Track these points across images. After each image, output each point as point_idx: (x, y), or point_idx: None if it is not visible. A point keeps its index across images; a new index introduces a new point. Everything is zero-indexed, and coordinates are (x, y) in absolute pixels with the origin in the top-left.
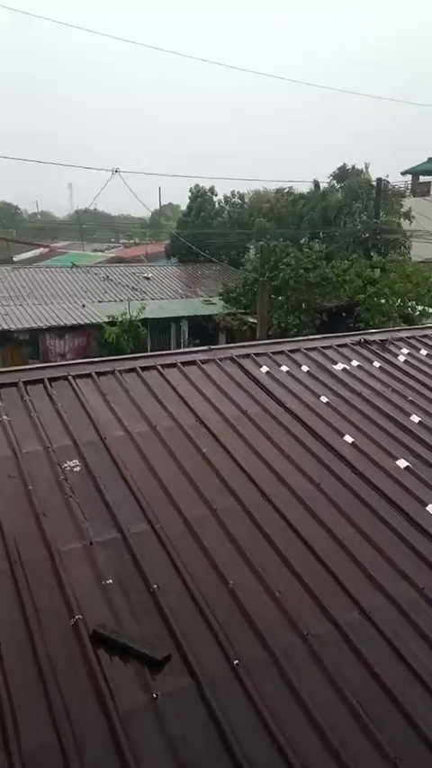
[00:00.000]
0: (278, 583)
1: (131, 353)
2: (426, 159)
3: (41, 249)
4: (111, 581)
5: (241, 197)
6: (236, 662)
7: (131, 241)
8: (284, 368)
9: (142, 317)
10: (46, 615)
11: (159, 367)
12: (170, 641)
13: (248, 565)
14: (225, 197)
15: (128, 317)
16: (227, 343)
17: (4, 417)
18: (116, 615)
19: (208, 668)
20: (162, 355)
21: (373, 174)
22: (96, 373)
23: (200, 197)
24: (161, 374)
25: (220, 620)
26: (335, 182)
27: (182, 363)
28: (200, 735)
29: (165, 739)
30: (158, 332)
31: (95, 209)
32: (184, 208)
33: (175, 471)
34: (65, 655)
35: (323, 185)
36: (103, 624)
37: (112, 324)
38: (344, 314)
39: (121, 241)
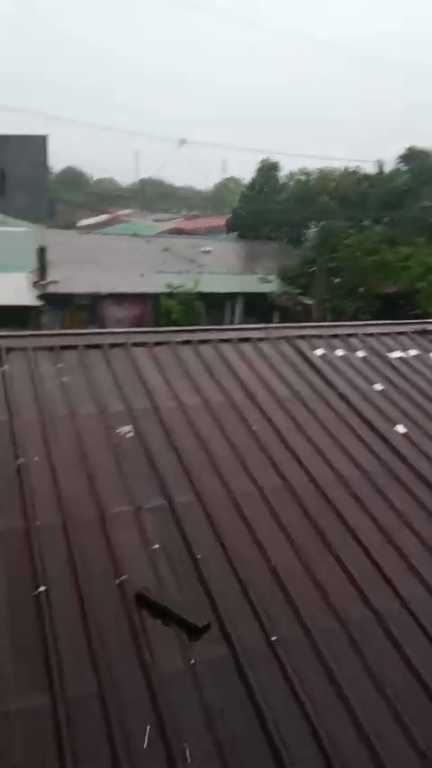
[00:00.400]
0: (320, 566)
1: (185, 326)
2: None
3: (105, 216)
4: (156, 546)
5: (307, 174)
6: (273, 638)
7: (192, 213)
8: (339, 352)
9: (198, 290)
10: (93, 572)
11: (215, 342)
12: (210, 610)
13: (291, 545)
14: (291, 173)
15: (184, 289)
16: (280, 322)
17: (64, 379)
18: (160, 580)
19: (246, 641)
20: (218, 330)
21: None
22: (154, 343)
23: (266, 172)
24: (216, 349)
25: (260, 596)
26: (402, 163)
27: (237, 340)
28: (236, 707)
29: (201, 707)
30: (213, 306)
31: (160, 179)
32: (246, 182)
33: (223, 445)
34: (109, 612)
35: (390, 167)
36: (147, 587)
37: (170, 296)
38: (402, 301)
39: (182, 213)
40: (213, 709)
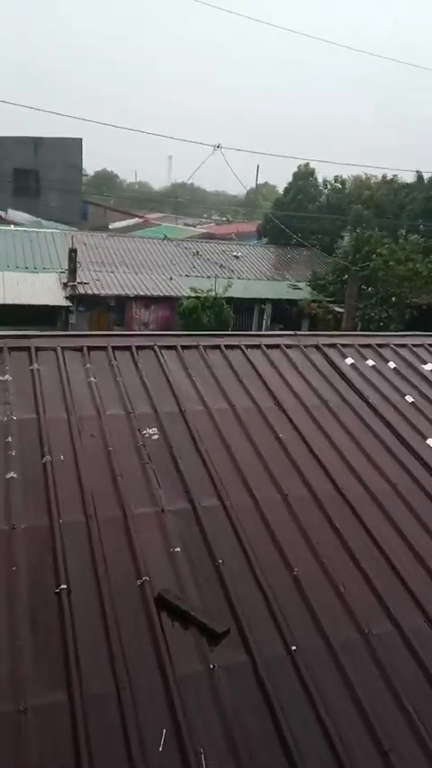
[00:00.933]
0: (343, 577)
1: (212, 329)
2: None
3: (136, 219)
4: (178, 549)
5: (342, 182)
6: (293, 648)
7: (224, 218)
8: (370, 362)
9: (227, 295)
10: (115, 572)
11: (243, 347)
12: (230, 616)
13: (314, 554)
14: (325, 180)
15: (213, 293)
16: (310, 330)
17: (92, 379)
18: (181, 583)
19: (265, 648)
20: (247, 335)
21: None
22: (181, 346)
23: (301, 179)
24: (244, 354)
25: (281, 604)
26: None
27: (266, 346)
28: (253, 714)
29: (217, 710)
30: (242, 312)
31: (192, 183)
32: (280, 188)
33: (249, 451)
34: (130, 612)
35: (428, 175)
36: (167, 589)
37: (197, 300)
38: None
39: (213, 217)
40: (230, 715)
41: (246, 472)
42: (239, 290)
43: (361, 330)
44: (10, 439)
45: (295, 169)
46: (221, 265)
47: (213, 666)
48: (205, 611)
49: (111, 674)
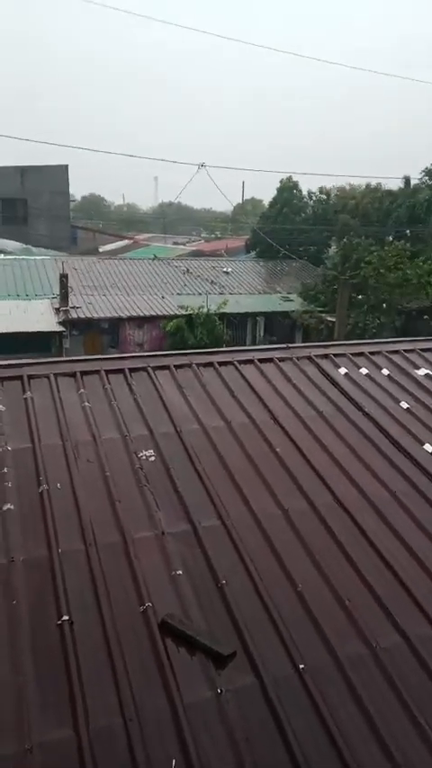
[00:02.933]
0: (348, 590)
1: (205, 347)
2: None
3: (125, 241)
4: (180, 572)
5: (326, 193)
6: (301, 666)
7: (212, 235)
8: (364, 370)
9: (220, 311)
10: (117, 600)
11: (236, 363)
12: (236, 638)
13: (318, 568)
14: (309, 192)
15: (205, 310)
16: (303, 341)
17: (86, 404)
18: (184, 606)
19: (273, 669)
20: (239, 351)
21: None
22: (174, 366)
23: (286, 191)
24: (238, 370)
25: (287, 622)
26: (427, 178)
27: (259, 360)
28: (263, 736)
29: (227, 735)
30: (234, 327)
31: (179, 202)
32: (266, 202)
33: (247, 468)
34: (134, 640)
35: (414, 182)
36: (171, 614)
37: (188, 318)
38: (426, 316)
39: (202, 235)
40: (239, 737)
41: (245, 489)
42: (231, 305)
43: (354, 338)
44: (6, 470)
45: (279, 183)
46: (212, 282)
47: (221, 691)
48: (210, 634)
49: (117, 706)
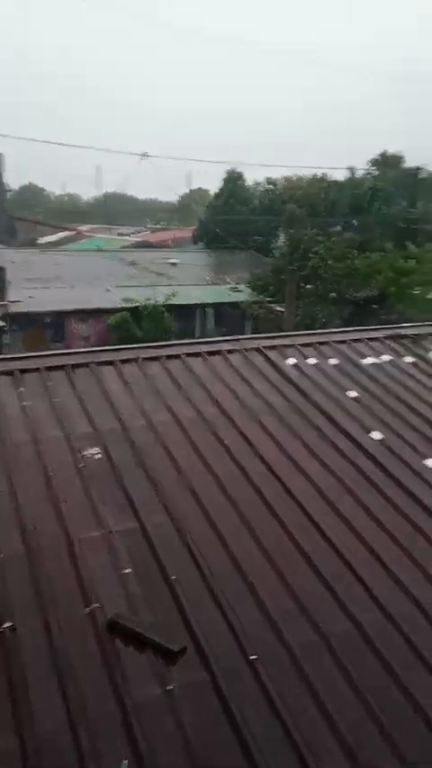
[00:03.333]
0: (298, 578)
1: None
2: None
3: (67, 232)
4: (129, 570)
5: (273, 183)
6: (252, 657)
7: (158, 226)
8: (312, 360)
9: (167, 302)
10: (62, 603)
11: (184, 356)
12: (186, 633)
13: (268, 558)
14: (256, 182)
15: (152, 302)
16: (253, 331)
17: (26, 403)
18: (133, 605)
19: (224, 662)
20: (187, 344)
21: (414, 163)
22: (120, 361)
23: (232, 181)
24: (185, 363)
25: (238, 614)
26: (374, 168)
27: (207, 353)
28: (215, 730)
29: (179, 731)
30: (183, 318)
31: (123, 192)
32: (213, 193)
33: (195, 462)
34: (80, 642)
35: (360, 172)
36: (119, 613)
37: (135, 310)
38: (374, 306)
39: (148, 226)
40: (192, 735)
41: (194, 483)
42: (179, 296)
43: (304, 328)
44: None
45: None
46: (159, 273)
47: (172, 687)
48: (160, 630)
49: (64, 710)
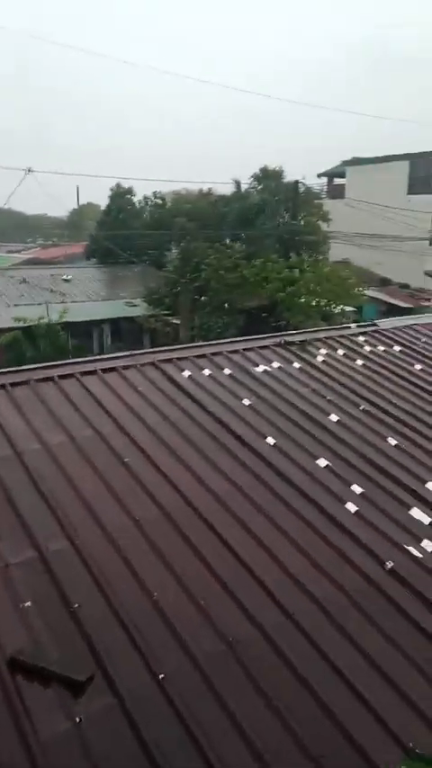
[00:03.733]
0: (202, 590)
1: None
2: (339, 162)
3: None
4: (29, 603)
5: (162, 198)
6: (161, 675)
7: (49, 242)
8: (207, 371)
9: (63, 320)
10: None
11: (78, 375)
12: (93, 660)
13: (172, 574)
14: (145, 197)
15: (46, 320)
16: (151, 344)
17: None
18: (35, 639)
19: (132, 684)
20: (81, 362)
21: (293, 176)
22: (11, 384)
23: (119, 197)
24: (80, 382)
25: (144, 633)
26: (256, 183)
27: (102, 370)
28: (125, 754)
29: (88, 763)
30: (80, 335)
31: (9, 208)
32: (103, 208)
33: (95, 482)
34: None
35: (244, 186)
36: (20, 649)
37: (27, 330)
38: (265, 314)
39: (37, 242)
40: (100, 761)
41: (93, 504)
42: (74, 313)
43: (200, 339)
44: None
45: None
46: (52, 290)
47: (80, 719)
48: (65, 662)
49: None
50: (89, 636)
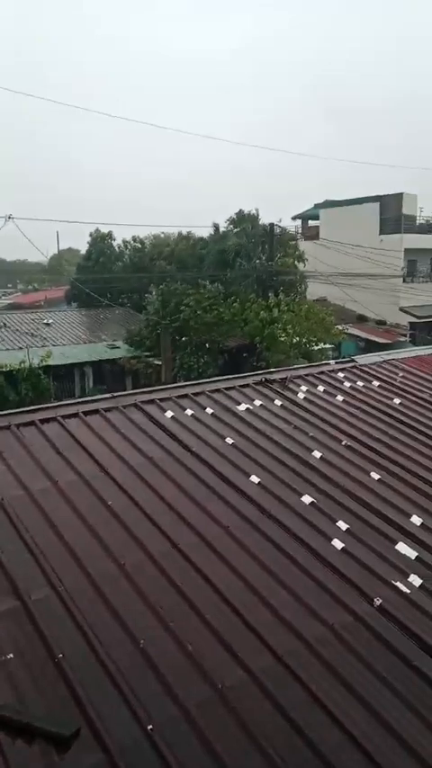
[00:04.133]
0: (190, 635)
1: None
2: (312, 205)
3: None
4: (11, 656)
5: (141, 242)
6: (150, 727)
7: (29, 287)
8: (189, 411)
9: (44, 363)
10: None
11: (60, 418)
12: (79, 713)
13: (159, 619)
14: (124, 241)
15: (27, 364)
16: (133, 385)
17: None
18: (18, 693)
19: (120, 738)
20: (62, 406)
21: (269, 219)
22: None
23: (99, 241)
24: (62, 425)
25: (132, 683)
26: (232, 226)
27: (84, 413)
28: None
29: None
30: (61, 379)
31: None
32: (83, 252)
33: (79, 527)
34: None
35: (222, 230)
36: (3, 705)
37: (8, 374)
38: (245, 354)
39: (18, 287)
40: None
41: (77, 550)
42: (56, 356)
43: (182, 379)
44: None
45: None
46: (33, 334)
47: None
48: (50, 716)
49: None
50: (74, 687)
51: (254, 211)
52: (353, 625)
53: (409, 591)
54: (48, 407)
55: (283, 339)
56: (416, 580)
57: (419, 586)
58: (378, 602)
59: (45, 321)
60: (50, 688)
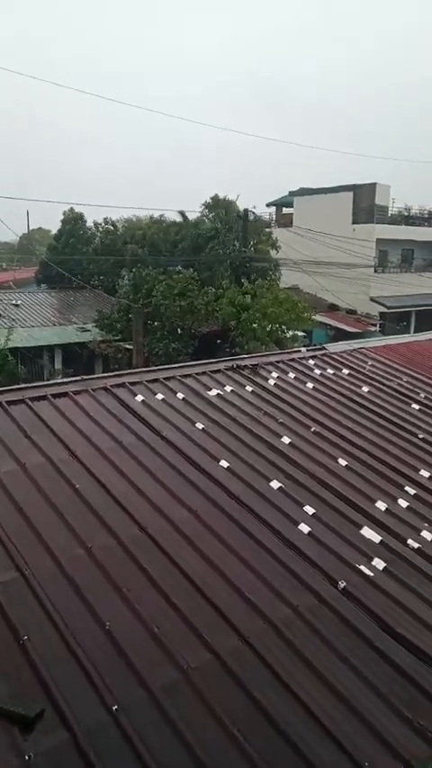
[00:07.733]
0: (157, 618)
1: None
2: (287, 193)
3: None
4: None
5: (113, 224)
6: (115, 708)
7: None
8: (160, 396)
9: (10, 345)
10: None
11: (28, 400)
12: (43, 695)
13: (126, 602)
14: (95, 223)
15: None
16: (104, 370)
17: None
18: None
19: (85, 718)
20: (31, 388)
21: (243, 205)
22: None
23: (70, 223)
24: (30, 407)
25: (97, 666)
26: (207, 211)
27: (52, 396)
28: None
29: None
30: (30, 362)
31: None
32: (54, 233)
33: (46, 510)
34: None
35: (196, 215)
36: None
37: None
38: (219, 340)
39: None
40: None
41: (44, 534)
42: (24, 338)
43: (153, 364)
44: None
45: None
46: (1, 315)
47: (29, 757)
48: (14, 698)
49: None
50: (38, 669)
51: (228, 197)
52: (317, 607)
53: (372, 574)
54: (15, 389)
55: (255, 326)
56: (379, 563)
57: (383, 569)
58: (342, 584)
59: (13, 302)
60: (14, 670)
